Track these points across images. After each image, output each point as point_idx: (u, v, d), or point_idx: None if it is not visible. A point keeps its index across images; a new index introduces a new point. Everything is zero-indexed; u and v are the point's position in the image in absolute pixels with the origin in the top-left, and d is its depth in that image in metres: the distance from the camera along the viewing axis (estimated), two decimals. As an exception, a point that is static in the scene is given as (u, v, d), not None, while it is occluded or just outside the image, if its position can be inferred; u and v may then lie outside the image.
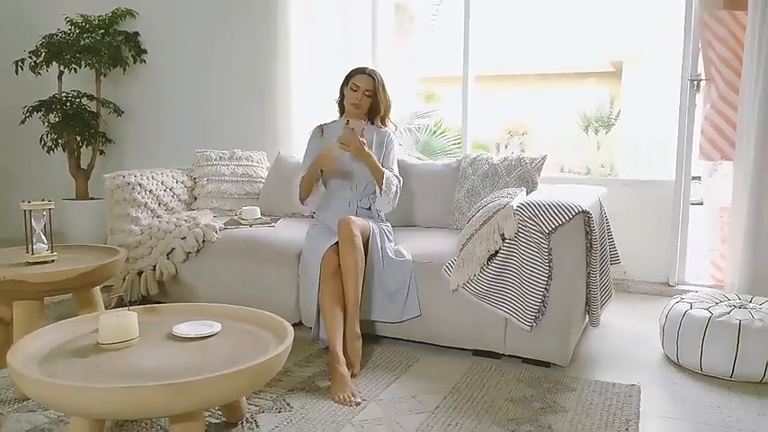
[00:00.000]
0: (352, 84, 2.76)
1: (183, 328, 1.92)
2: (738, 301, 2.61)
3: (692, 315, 2.45)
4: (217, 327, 1.95)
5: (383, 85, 2.79)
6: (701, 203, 3.77)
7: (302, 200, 2.81)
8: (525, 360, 2.50)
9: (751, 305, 2.56)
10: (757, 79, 3.16)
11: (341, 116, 2.88)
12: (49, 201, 2.31)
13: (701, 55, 3.55)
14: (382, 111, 2.81)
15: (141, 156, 5.09)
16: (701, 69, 3.57)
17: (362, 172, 2.80)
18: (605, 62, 11.67)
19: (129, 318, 1.84)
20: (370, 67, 2.84)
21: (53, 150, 4.88)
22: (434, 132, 6.96)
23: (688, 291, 3.51)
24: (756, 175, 3.19)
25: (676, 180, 3.63)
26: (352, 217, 2.56)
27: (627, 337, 2.87)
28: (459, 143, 6.56)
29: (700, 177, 3.75)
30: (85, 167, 4.97)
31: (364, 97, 2.73)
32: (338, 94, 2.86)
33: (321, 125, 2.88)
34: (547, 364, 2.46)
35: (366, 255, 2.57)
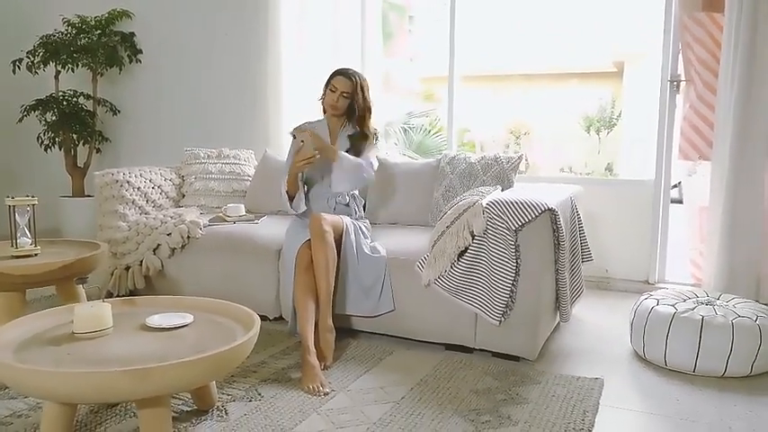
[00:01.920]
0: (331, 85, 2.82)
1: (156, 320, 2.00)
2: (706, 298, 2.67)
3: (658, 311, 2.51)
4: (189, 318, 2.03)
5: (363, 88, 2.81)
6: (681, 202, 3.82)
7: (290, 198, 2.79)
8: (495, 354, 2.56)
9: (718, 302, 2.62)
10: (733, 80, 3.21)
11: (324, 114, 2.95)
12: (33, 197, 2.40)
13: (680, 56, 3.61)
14: (358, 112, 2.84)
15: (137, 154, 5.18)
16: (680, 70, 3.62)
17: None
18: (607, 62, 11.70)
19: (104, 308, 1.92)
20: (353, 69, 2.87)
21: (50, 149, 4.99)
22: (429, 132, 7.02)
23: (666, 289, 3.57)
24: (732, 174, 3.24)
25: (656, 179, 3.69)
26: (323, 214, 2.63)
27: (599, 334, 2.93)
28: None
29: (680, 183, 3.81)
30: (82, 165, 5.07)
31: (341, 98, 2.79)
32: (323, 93, 2.91)
33: (300, 126, 2.94)
34: (516, 358, 2.53)
35: (339, 250, 2.64)
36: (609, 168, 11.51)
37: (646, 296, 2.70)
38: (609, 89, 12.24)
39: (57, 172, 5.16)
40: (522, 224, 2.36)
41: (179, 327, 1.98)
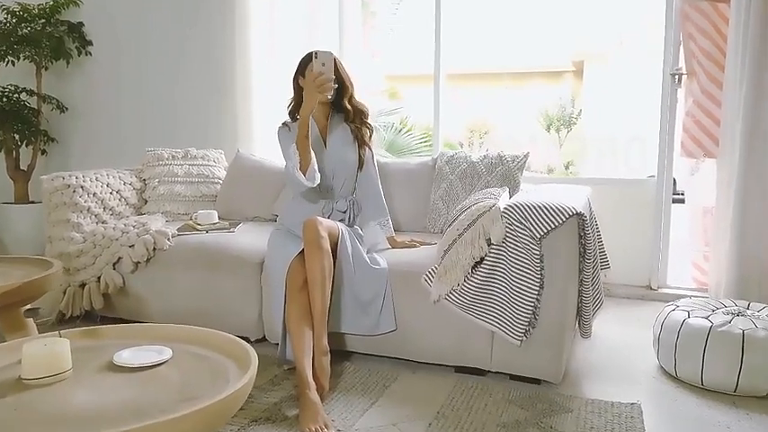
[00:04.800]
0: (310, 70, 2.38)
1: (126, 356, 1.63)
2: (735, 307, 2.44)
3: (691, 325, 2.27)
4: (166, 353, 1.67)
5: (341, 63, 2.49)
6: (683, 202, 3.63)
7: (303, 171, 2.34)
8: (513, 377, 2.28)
9: (749, 312, 2.39)
10: (743, 73, 3.02)
11: (294, 121, 2.55)
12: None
13: (681, 48, 3.41)
14: (351, 89, 2.53)
15: (89, 155, 4.72)
16: (681, 63, 3.43)
17: (342, 167, 2.55)
18: (566, 61, 11.67)
19: (60, 345, 1.54)
20: (322, 48, 2.46)
21: (-12, 150, 4.48)
22: (400, 130, 6.75)
23: (672, 294, 3.37)
24: (742, 173, 3.05)
25: (658, 178, 3.48)
26: (318, 217, 2.30)
27: (616, 348, 2.68)
28: (426, 141, 6.37)
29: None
30: (25, 168, 4.58)
31: None
32: (293, 93, 2.54)
33: (285, 123, 2.60)
34: (537, 381, 2.25)
35: (335, 260, 2.31)
36: (567, 166, 11.48)
37: (672, 307, 2.46)
38: (568, 88, 12.25)
39: (-3, 176, 4.65)
40: (548, 231, 2.08)
41: (155, 365, 1.62)
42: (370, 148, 2.62)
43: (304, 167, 2.33)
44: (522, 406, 2.07)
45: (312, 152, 2.36)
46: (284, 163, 2.46)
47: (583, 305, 2.38)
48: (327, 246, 2.24)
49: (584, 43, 11.26)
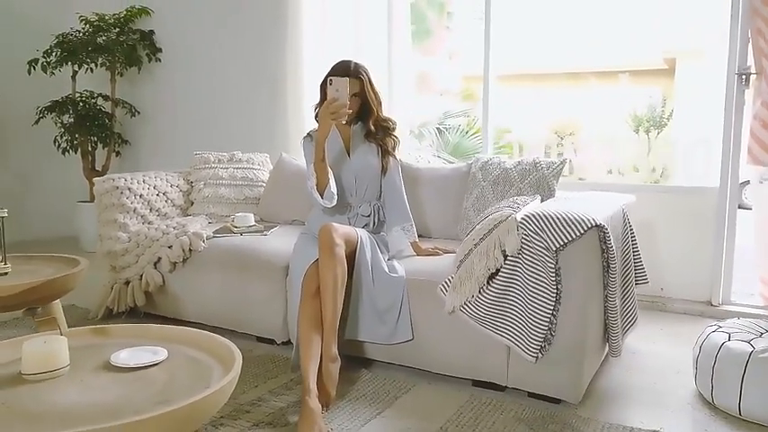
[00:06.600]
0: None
1: (123, 356, 1.69)
2: (787, 330, 2.22)
3: (730, 348, 2.08)
4: (162, 354, 1.71)
5: (371, 82, 2.50)
6: (750, 208, 3.35)
7: (321, 193, 2.41)
8: (531, 394, 2.18)
9: (803, 337, 2.17)
10: (816, 72, 2.75)
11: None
12: (2, 209, 2.12)
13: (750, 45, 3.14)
14: (375, 110, 2.53)
15: (156, 157, 4.97)
16: (750, 62, 3.16)
17: (365, 171, 2.55)
18: (658, 59, 11.07)
19: (58, 343, 1.62)
20: (352, 61, 2.50)
21: (68, 152, 4.80)
22: (467, 133, 6.63)
23: (734, 312, 3.12)
24: (815, 182, 2.78)
25: (721, 186, 3.22)
26: (334, 224, 2.29)
27: (656, 369, 2.50)
28: (494, 143, 6.24)
29: (748, 181, 3.34)
30: (100, 169, 4.87)
31: (353, 101, 2.45)
32: (319, 99, 2.54)
33: (310, 132, 2.62)
34: (556, 401, 2.14)
35: (352, 267, 2.29)
36: (656, 170, 10.86)
37: (713, 327, 2.27)
38: (659, 87, 11.60)
39: (75, 176, 4.98)
40: (564, 243, 1.97)
41: (148, 365, 1.66)
42: (394, 158, 2.61)
43: (321, 189, 2.38)
44: (531, 426, 1.97)
45: (330, 173, 2.39)
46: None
47: (610, 322, 2.23)
48: (342, 253, 2.23)
49: (677, 40, 10.65)
